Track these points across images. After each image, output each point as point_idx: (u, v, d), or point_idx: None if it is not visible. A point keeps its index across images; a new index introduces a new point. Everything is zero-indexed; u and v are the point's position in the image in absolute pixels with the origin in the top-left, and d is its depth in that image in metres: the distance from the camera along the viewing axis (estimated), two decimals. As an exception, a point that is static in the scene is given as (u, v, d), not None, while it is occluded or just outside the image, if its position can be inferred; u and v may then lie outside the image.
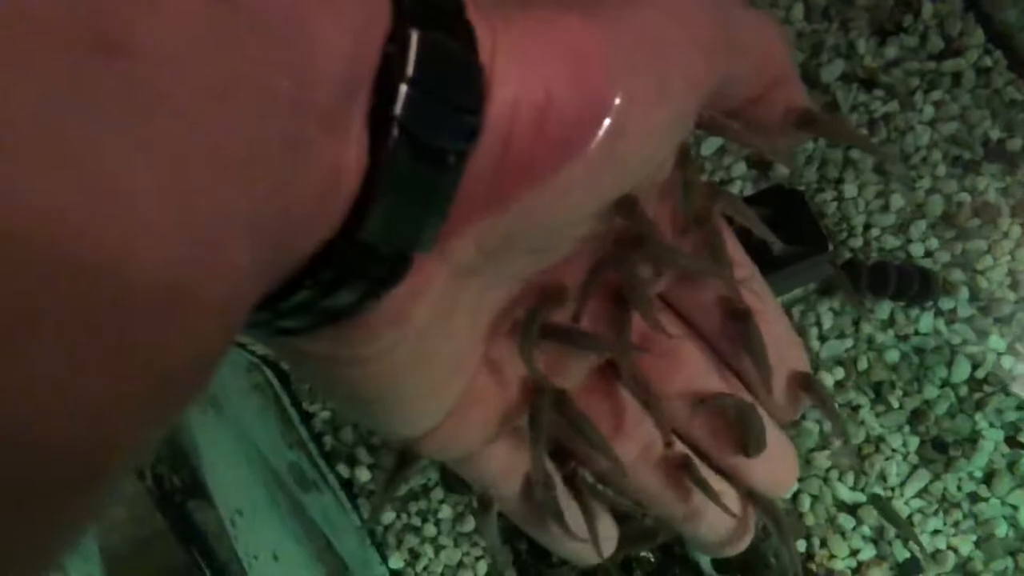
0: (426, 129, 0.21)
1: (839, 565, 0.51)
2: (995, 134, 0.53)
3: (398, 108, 0.20)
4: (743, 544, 0.35)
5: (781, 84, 0.28)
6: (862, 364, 0.52)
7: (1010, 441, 0.51)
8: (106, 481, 0.17)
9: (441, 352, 0.27)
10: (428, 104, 0.20)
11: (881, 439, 0.51)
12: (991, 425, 0.51)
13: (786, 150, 0.30)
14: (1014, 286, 0.52)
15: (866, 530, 0.51)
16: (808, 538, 0.51)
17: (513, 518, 0.33)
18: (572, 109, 0.23)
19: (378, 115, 0.20)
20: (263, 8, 0.17)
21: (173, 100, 0.15)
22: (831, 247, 0.53)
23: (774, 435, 0.34)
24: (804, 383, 0.33)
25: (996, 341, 0.51)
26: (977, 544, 0.50)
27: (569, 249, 0.28)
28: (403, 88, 0.20)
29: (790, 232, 0.52)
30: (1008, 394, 0.51)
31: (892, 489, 0.51)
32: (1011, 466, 0.51)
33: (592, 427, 0.30)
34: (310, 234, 0.20)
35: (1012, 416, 0.51)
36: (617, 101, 0.23)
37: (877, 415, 0.51)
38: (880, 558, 0.51)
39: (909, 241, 0.52)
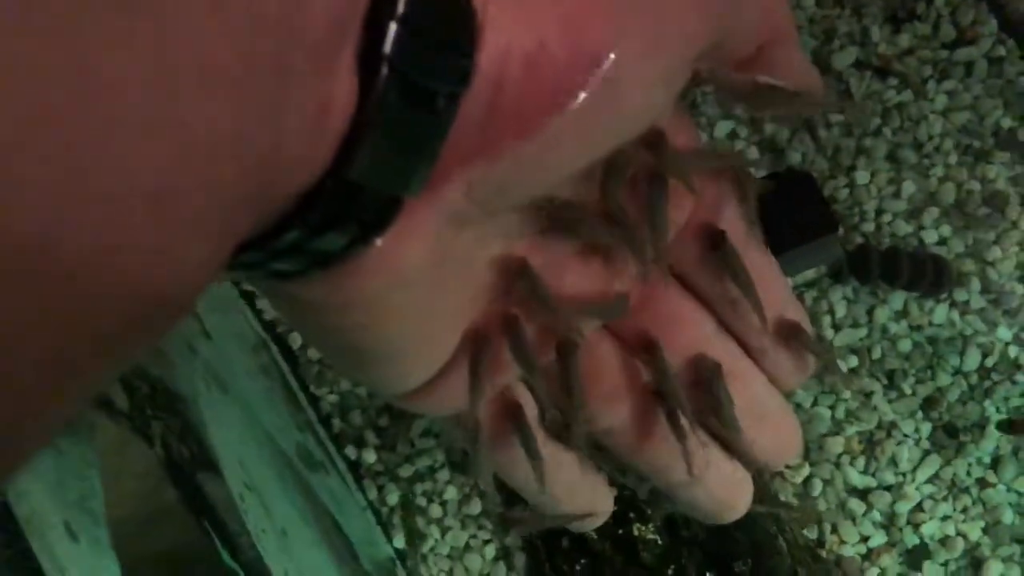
0: (416, 69, 0.21)
1: (848, 551, 0.51)
2: (1007, 123, 0.53)
3: (388, 46, 0.20)
4: (740, 511, 0.35)
5: (778, 42, 0.28)
6: (876, 353, 0.52)
7: (1016, 427, 0.51)
8: (85, 390, 0.17)
9: (432, 306, 0.27)
10: (418, 44, 0.20)
11: (894, 425, 0.51)
12: (998, 411, 0.51)
13: (778, 112, 0.30)
14: (1023, 279, 0.52)
15: (876, 515, 0.51)
16: (819, 523, 0.51)
17: (504, 477, 0.33)
18: (565, 58, 0.23)
19: (368, 53, 0.20)
20: None
21: (160, 4, 0.15)
22: (840, 228, 0.53)
23: (776, 402, 0.34)
24: (792, 330, 0.32)
25: (1003, 331, 0.52)
26: (985, 530, 0.50)
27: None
28: (393, 26, 0.20)
29: (800, 214, 0.52)
30: (1014, 382, 0.51)
31: (903, 475, 0.51)
32: (1016, 452, 0.51)
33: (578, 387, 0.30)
34: (298, 169, 0.20)
35: (1017, 402, 0.51)
36: (611, 51, 0.23)
37: (890, 401, 0.51)
38: (890, 544, 0.51)
39: (922, 228, 0.52)
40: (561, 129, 0.23)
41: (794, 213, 0.51)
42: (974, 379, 0.52)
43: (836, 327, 0.52)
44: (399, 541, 0.53)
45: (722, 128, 0.55)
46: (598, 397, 0.32)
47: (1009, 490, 0.50)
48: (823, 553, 0.51)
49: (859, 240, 0.53)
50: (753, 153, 0.54)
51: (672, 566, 0.51)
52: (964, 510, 0.50)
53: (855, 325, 0.52)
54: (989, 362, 0.51)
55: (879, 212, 0.53)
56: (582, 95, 0.23)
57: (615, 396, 0.32)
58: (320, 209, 0.21)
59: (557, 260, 0.29)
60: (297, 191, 0.21)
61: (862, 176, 0.53)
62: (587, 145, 0.25)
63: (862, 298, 0.52)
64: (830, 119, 0.54)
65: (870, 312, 0.52)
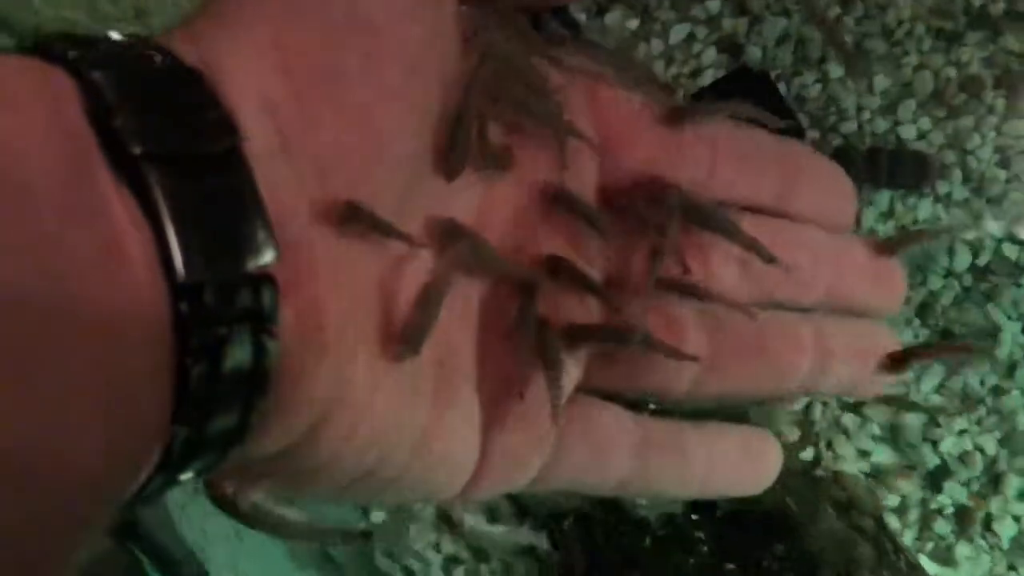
0: (175, 145, 0.20)
1: (849, 467, 0.47)
2: (977, 0, 0.49)
3: (134, 146, 0.19)
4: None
5: None
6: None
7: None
8: None
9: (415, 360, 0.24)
10: (158, 123, 0.20)
11: (891, 335, 0.47)
12: (1009, 318, 0.48)
13: None
14: (1004, 163, 0.49)
15: (875, 429, 0.47)
16: (816, 445, 0.47)
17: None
18: (311, 39, 0.22)
19: (122, 163, 0.19)
20: None
21: None
22: (807, 133, 0.49)
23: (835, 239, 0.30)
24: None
25: (991, 225, 0.48)
26: (1001, 442, 0.47)
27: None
28: (122, 124, 0.19)
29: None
30: (1020, 285, 0.48)
31: (907, 385, 0.47)
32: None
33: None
34: (130, 316, 0.19)
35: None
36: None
37: (886, 310, 0.47)
38: (908, 468, 0.47)
39: (899, 123, 0.48)
40: (363, 96, 0.22)
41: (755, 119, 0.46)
42: (968, 280, 0.48)
43: (822, 235, 0.48)
44: (378, 516, 0.48)
45: (679, 32, 0.49)
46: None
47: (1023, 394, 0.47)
48: (820, 472, 0.47)
49: (838, 142, 0.48)
50: (711, 54, 0.49)
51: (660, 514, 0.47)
52: (979, 421, 0.47)
53: (841, 231, 0.48)
54: (981, 261, 0.48)
55: (859, 109, 0.48)
56: (349, 59, 0.22)
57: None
58: (195, 328, 0.19)
59: None
60: (152, 335, 0.19)
61: (835, 70, 0.48)
62: (400, 96, 0.23)
63: (846, 202, 0.48)
64: (788, 6, 0.49)
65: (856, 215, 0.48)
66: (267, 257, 0.20)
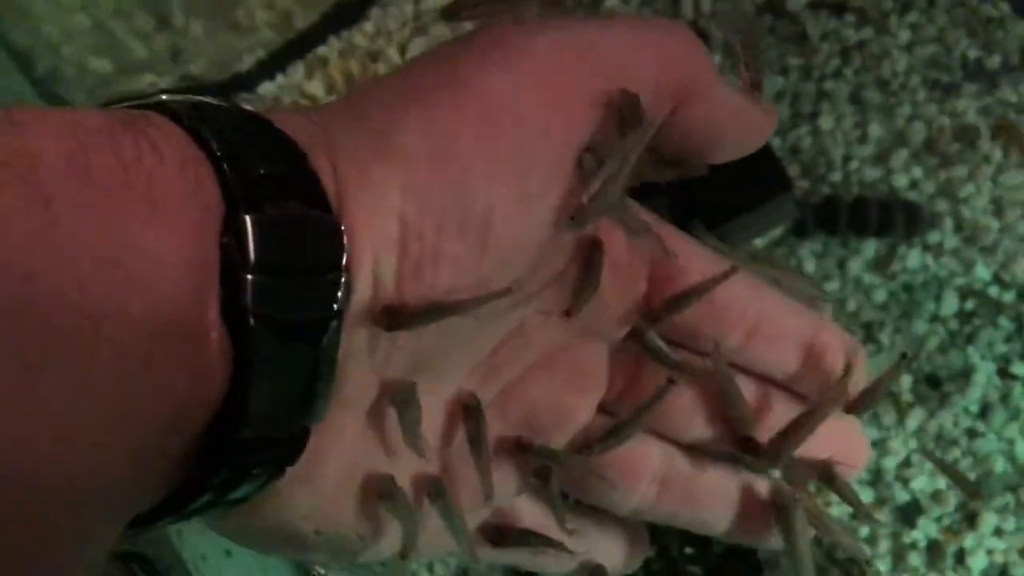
0: (287, 309, 0.20)
1: (835, 511, 0.49)
2: (973, 53, 0.50)
3: (248, 299, 0.19)
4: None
5: (692, 98, 0.26)
6: (851, 306, 0.50)
7: (1002, 373, 0.49)
8: None
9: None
10: (282, 284, 0.20)
11: (874, 380, 0.49)
12: (983, 358, 0.49)
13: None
14: (998, 213, 0.50)
15: (862, 473, 0.49)
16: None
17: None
18: (427, 225, 0.22)
19: (231, 310, 0.19)
20: (79, 239, 0.17)
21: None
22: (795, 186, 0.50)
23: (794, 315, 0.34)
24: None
25: (981, 271, 0.49)
26: (978, 482, 0.48)
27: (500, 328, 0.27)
28: (248, 278, 0.19)
29: (749, 174, 0.49)
30: (997, 326, 0.49)
31: (888, 429, 0.49)
32: (1004, 399, 0.49)
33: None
34: (177, 434, 0.19)
35: (1002, 348, 0.49)
36: (479, 195, 0.23)
37: (870, 355, 0.49)
38: (879, 501, 0.49)
39: (891, 172, 0.50)
40: (449, 279, 0.23)
41: (744, 174, 0.48)
42: (953, 325, 0.49)
43: (808, 282, 0.50)
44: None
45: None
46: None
47: (1000, 438, 0.48)
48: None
49: (827, 191, 0.50)
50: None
51: (655, 547, 0.49)
52: (954, 463, 0.49)
53: (827, 279, 0.50)
54: (968, 305, 0.49)
55: (846, 159, 0.50)
56: (456, 248, 0.22)
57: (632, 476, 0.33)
58: (226, 469, 0.20)
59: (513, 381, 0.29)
60: (184, 462, 0.20)
61: (826, 122, 0.50)
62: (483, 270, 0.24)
63: (832, 250, 0.50)
64: (788, 63, 0.51)
65: (841, 264, 0.50)
66: (316, 420, 0.21)
